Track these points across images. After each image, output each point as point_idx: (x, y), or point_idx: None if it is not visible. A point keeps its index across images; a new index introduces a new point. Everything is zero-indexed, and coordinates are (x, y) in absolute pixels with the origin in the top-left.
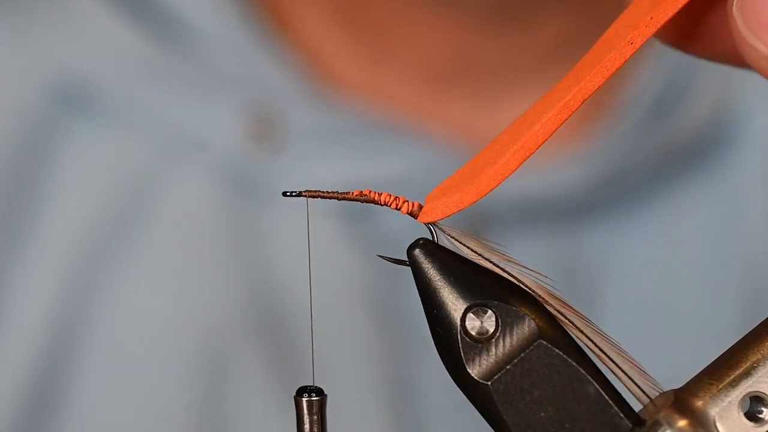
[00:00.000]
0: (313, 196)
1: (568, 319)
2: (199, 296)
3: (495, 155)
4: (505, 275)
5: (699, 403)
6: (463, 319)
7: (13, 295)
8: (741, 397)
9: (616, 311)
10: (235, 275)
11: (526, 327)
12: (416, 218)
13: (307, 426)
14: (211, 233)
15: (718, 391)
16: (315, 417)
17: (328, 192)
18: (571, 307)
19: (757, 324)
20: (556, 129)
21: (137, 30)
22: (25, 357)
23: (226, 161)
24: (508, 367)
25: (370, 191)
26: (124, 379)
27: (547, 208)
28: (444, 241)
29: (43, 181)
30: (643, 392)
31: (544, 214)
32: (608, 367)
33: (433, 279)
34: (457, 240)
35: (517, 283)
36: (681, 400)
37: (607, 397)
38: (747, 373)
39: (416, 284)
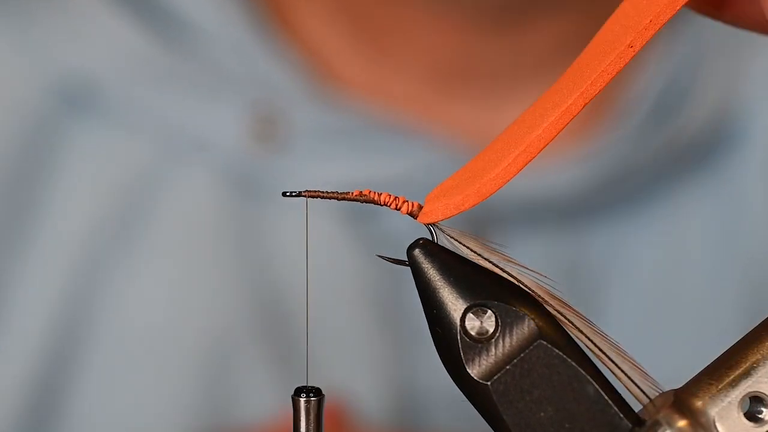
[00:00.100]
0: (312, 197)
1: (568, 319)
2: (201, 296)
3: (496, 157)
4: (504, 275)
5: (699, 403)
6: (462, 319)
7: (14, 294)
8: (741, 397)
9: (617, 311)
10: (237, 275)
11: (526, 327)
12: (416, 218)
13: (303, 426)
14: (212, 233)
15: (717, 391)
16: (312, 417)
17: (327, 192)
18: (570, 307)
19: (757, 324)
20: (558, 133)
21: (139, 29)
22: (26, 356)
23: (228, 161)
24: (507, 367)
25: (369, 191)
26: (124, 378)
27: (549, 209)
28: (444, 241)
29: (44, 181)
30: (643, 392)
31: (545, 214)
32: (608, 367)
33: (433, 279)
34: (456, 240)
35: (516, 283)
36: (681, 400)
37: (606, 397)
38: (747, 373)
39: (416, 284)
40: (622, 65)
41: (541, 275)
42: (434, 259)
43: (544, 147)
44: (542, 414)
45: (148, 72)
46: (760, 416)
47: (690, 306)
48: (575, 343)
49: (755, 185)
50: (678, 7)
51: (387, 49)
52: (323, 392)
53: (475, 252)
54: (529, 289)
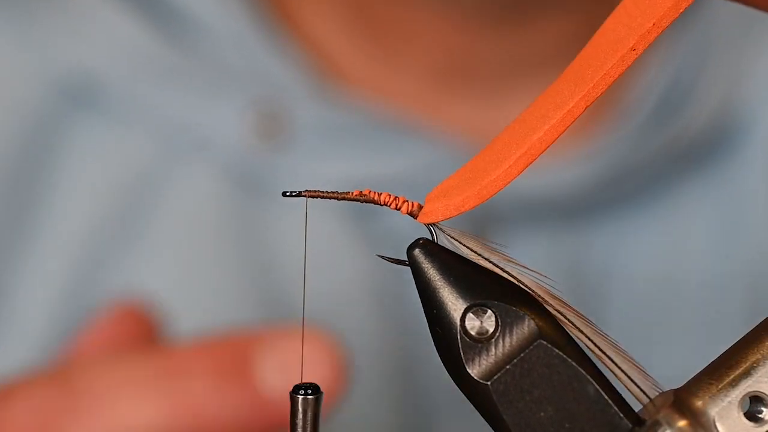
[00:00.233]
0: (312, 196)
1: (568, 319)
2: (202, 294)
3: (497, 158)
4: (505, 275)
5: (699, 403)
6: (462, 319)
7: (15, 293)
8: (741, 397)
9: (618, 311)
10: (239, 273)
11: (526, 327)
12: (416, 218)
13: (300, 423)
14: (215, 230)
15: (717, 391)
16: (309, 414)
17: (327, 192)
18: (570, 306)
19: (757, 324)
20: (560, 135)
21: (142, 26)
22: (27, 356)
23: (231, 158)
24: (507, 367)
25: (369, 191)
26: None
27: (551, 208)
28: (444, 241)
29: (46, 178)
30: (643, 392)
31: (547, 213)
32: (608, 367)
33: (433, 279)
34: (456, 240)
35: (517, 283)
36: (681, 400)
37: (606, 397)
38: (747, 373)
39: (416, 284)
40: (624, 68)
41: (541, 275)
42: (434, 259)
43: (545, 149)
44: (542, 414)
45: (150, 69)
46: (760, 416)
47: (692, 305)
48: (575, 343)
49: (757, 185)
50: (681, 10)
51: (389, 47)
52: (320, 390)
53: (475, 252)
54: (529, 289)
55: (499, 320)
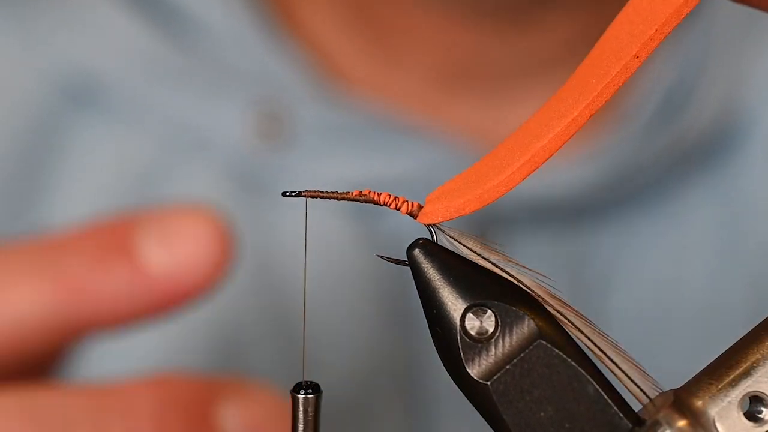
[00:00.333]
0: (312, 196)
1: (568, 319)
2: None
3: (500, 164)
4: (504, 275)
5: (699, 403)
6: (462, 319)
7: None
8: (741, 397)
9: (622, 311)
10: (240, 272)
11: (526, 327)
12: (415, 218)
13: (301, 422)
14: None
15: (717, 390)
16: (310, 413)
17: (327, 192)
18: (570, 306)
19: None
20: (564, 144)
21: (145, 26)
22: None
23: (231, 158)
24: (507, 367)
25: (369, 191)
26: (124, 377)
27: (555, 208)
28: (444, 241)
29: (47, 177)
30: (643, 392)
31: (551, 214)
32: (608, 367)
33: (433, 279)
34: (456, 240)
35: (516, 283)
36: (681, 400)
37: (606, 397)
38: (747, 373)
39: (416, 284)
40: (628, 76)
41: (541, 275)
42: (434, 259)
43: (549, 157)
44: (542, 414)
45: (151, 69)
46: (760, 416)
47: (695, 306)
48: (575, 343)
49: (760, 185)
50: (683, 16)
51: (390, 47)
52: (321, 389)
53: (475, 252)
54: (529, 289)
55: (499, 320)
